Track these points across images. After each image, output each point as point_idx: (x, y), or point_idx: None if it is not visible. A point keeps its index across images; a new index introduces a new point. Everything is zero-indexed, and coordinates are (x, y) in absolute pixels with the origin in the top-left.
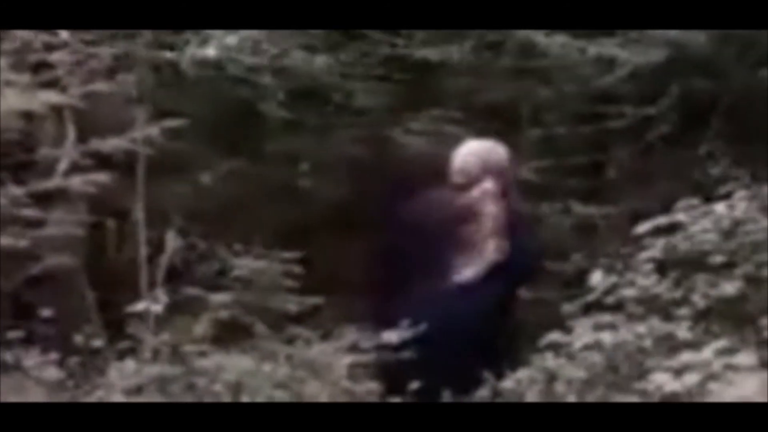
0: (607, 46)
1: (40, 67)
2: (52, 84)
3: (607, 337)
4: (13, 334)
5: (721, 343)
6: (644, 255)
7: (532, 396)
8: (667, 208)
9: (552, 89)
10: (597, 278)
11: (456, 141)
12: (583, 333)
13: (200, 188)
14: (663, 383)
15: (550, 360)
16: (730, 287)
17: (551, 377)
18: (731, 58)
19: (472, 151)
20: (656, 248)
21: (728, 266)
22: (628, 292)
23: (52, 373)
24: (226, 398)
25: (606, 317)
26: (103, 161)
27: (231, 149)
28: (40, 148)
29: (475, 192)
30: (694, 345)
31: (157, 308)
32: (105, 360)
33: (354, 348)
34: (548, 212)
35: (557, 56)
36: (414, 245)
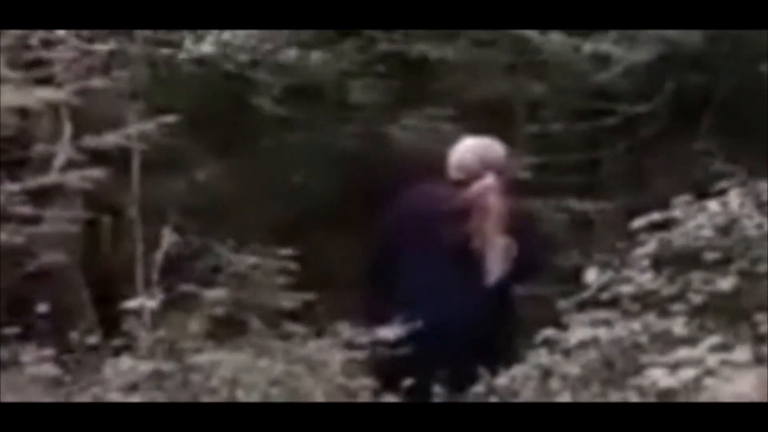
0: (601, 43)
1: (35, 63)
2: (47, 81)
3: (602, 333)
4: (9, 331)
5: (717, 339)
6: (640, 251)
7: (527, 392)
8: (662, 204)
9: (547, 86)
10: (592, 274)
11: (451, 138)
12: (578, 329)
13: (195, 184)
14: (658, 379)
15: (544, 356)
16: (725, 283)
17: (546, 373)
18: (725, 54)
19: (470, 148)
20: (652, 244)
21: (723, 262)
22: (624, 289)
23: (48, 369)
24: (222, 394)
25: (601, 313)
26: (98, 158)
27: (226, 145)
28: (35, 144)
29: (477, 186)
30: (689, 341)
31: (153, 305)
32: (100, 356)
33: (349, 344)
34: (543, 209)
35: (552, 53)
36: (413, 240)
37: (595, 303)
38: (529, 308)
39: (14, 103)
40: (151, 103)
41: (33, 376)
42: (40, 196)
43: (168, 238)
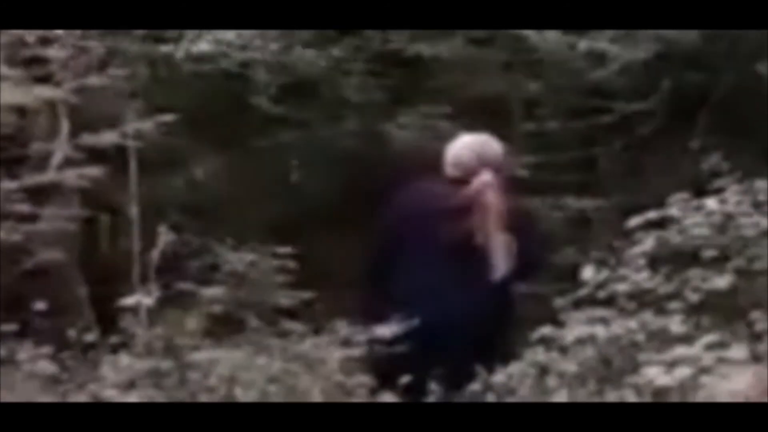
0: (598, 41)
1: (33, 61)
2: (45, 79)
3: (599, 331)
4: (6, 328)
5: (713, 337)
6: (636, 249)
7: (524, 390)
8: (659, 202)
9: (543, 84)
10: (589, 272)
11: (448, 136)
12: (575, 327)
13: (193, 183)
14: (655, 377)
15: (541, 354)
16: (722, 281)
17: (543, 371)
18: (722, 53)
19: (467, 145)
20: (648, 242)
21: (720, 260)
22: (620, 287)
23: (45, 366)
24: (220, 392)
25: (598, 311)
26: (96, 156)
27: (224, 144)
28: (33, 142)
29: (476, 183)
30: (686, 339)
31: (150, 302)
32: (98, 354)
33: (347, 342)
34: (540, 207)
35: (548, 51)
36: (412, 238)
37: (591, 301)
38: (526, 306)
39: (12, 101)
40: (149, 102)
41: (30, 373)
42: (38, 194)
43: (165, 236)
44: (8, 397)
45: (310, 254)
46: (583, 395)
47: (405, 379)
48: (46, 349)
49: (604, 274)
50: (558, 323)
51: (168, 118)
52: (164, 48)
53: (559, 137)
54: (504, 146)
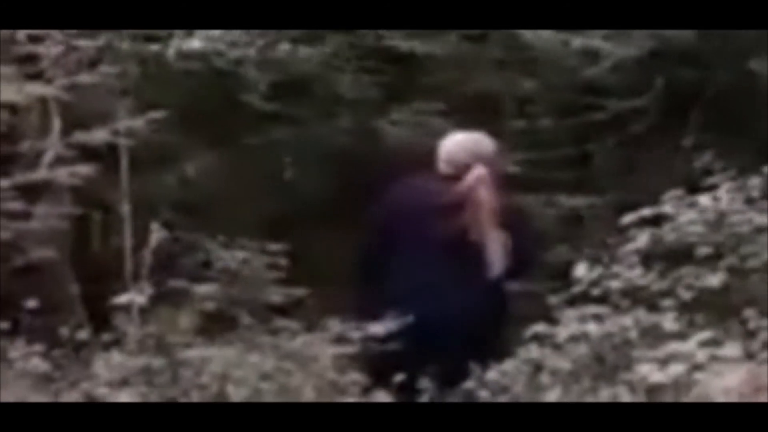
0: (591, 39)
1: (24, 59)
2: (36, 76)
3: (592, 328)
4: None
5: (707, 334)
6: (630, 246)
7: (517, 387)
8: (652, 199)
9: (537, 81)
10: (582, 270)
11: (441, 132)
12: (568, 324)
13: (185, 180)
14: (649, 374)
15: (535, 351)
16: (715, 279)
17: (537, 368)
18: (716, 50)
19: (460, 141)
20: (642, 240)
21: (714, 258)
22: (614, 284)
23: (37, 365)
24: (212, 390)
25: (591, 309)
26: (87, 153)
27: (215, 141)
28: (24, 140)
29: (469, 179)
30: (679, 336)
31: (142, 300)
32: (90, 352)
33: (340, 339)
34: (533, 204)
35: (542, 48)
36: (405, 235)
37: (585, 298)
38: (519, 303)
39: (4, 98)
40: (141, 99)
41: (22, 371)
42: (30, 192)
43: (157, 233)
44: (0, 396)
45: (302, 251)
46: (576, 392)
47: (398, 376)
48: (38, 347)
49: (598, 271)
50: (552, 320)
51: (159, 115)
52: (155, 45)
53: (552, 134)
54: (497, 143)
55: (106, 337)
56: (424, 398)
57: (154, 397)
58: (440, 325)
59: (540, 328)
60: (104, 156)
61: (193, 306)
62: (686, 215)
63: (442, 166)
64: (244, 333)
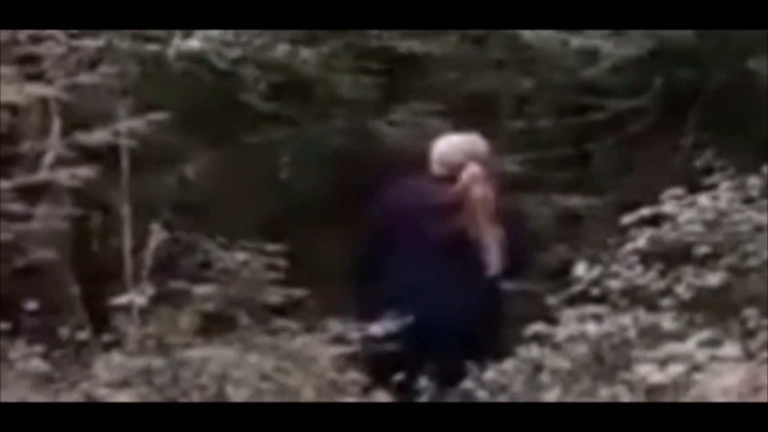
0: (590, 38)
1: (24, 59)
2: (37, 77)
3: (592, 328)
4: None
5: (706, 334)
6: (629, 246)
7: (517, 387)
8: (652, 199)
9: (536, 81)
10: (582, 269)
11: (439, 133)
12: (568, 324)
13: (185, 180)
14: (648, 374)
15: (534, 351)
16: (714, 278)
17: (536, 368)
18: (714, 50)
19: (453, 142)
20: (641, 240)
21: (713, 257)
22: (613, 283)
23: (37, 365)
24: (212, 390)
25: (591, 308)
26: (87, 154)
27: (215, 142)
28: (25, 141)
29: (465, 178)
30: (678, 336)
31: (142, 301)
32: (90, 352)
33: (339, 339)
34: (532, 204)
35: (541, 48)
36: (402, 235)
37: (584, 298)
38: (518, 303)
39: (4, 99)
40: (141, 100)
41: (22, 372)
42: (30, 193)
43: (157, 234)
44: (0, 396)
45: (301, 252)
46: (576, 392)
47: (398, 376)
48: (39, 348)
49: (597, 271)
50: (551, 320)
51: (159, 116)
52: (155, 45)
53: (551, 134)
54: (490, 144)
55: (106, 337)
56: (424, 398)
57: (154, 398)
58: (439, 325)
59: (539, 327)
60: (104, 156)
61: (192, 307)
62: (685, 215)
63: (436, 168)
64: (244, 333)
